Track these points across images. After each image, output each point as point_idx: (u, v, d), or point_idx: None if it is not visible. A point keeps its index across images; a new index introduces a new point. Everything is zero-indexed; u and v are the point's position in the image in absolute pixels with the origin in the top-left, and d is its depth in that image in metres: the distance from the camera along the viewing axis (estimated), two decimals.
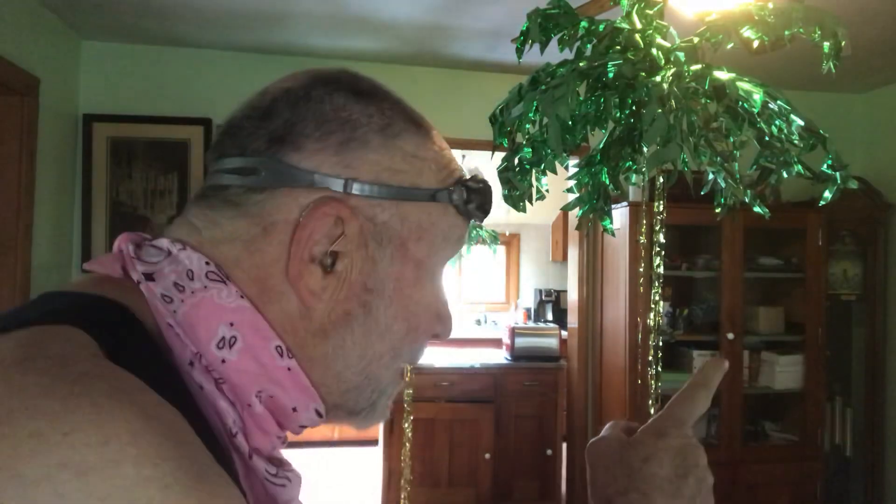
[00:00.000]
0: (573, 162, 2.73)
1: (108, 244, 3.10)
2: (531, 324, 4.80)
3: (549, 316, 6.07)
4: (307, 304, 0.46)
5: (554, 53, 1.73)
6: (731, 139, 1.66)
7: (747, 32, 1.65)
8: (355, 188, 0.46)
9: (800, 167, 1.65)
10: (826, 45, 1.57)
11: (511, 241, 6.61)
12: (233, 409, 0.43)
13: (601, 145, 1.80)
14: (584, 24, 1.71)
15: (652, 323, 1.83)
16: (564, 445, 3.74)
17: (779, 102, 1.59)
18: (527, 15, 1.72)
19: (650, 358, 1.84)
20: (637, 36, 1.70)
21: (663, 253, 1.85)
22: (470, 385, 3.68)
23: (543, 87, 1.62)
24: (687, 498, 0.50)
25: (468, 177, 0.52)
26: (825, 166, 1.64)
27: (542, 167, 1.76)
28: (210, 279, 0.44)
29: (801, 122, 1.60)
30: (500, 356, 3.97)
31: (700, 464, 0.51)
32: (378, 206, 0.47)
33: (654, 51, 1.68)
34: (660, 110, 1.47)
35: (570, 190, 1.91)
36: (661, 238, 1.82)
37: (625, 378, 3.20)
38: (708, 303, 3.45)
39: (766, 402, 3.54)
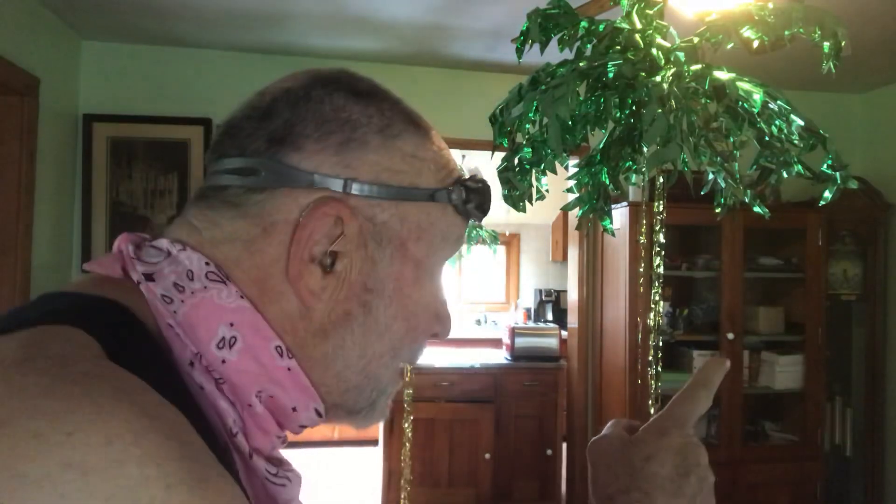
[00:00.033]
0: (573, 162, 2.73)
1: (108, 244, 3.10)
2: (531, 324, 4.80)
3: (549, 316, 6.07)
4: (307, 304, 0.46)
5: (554, 53, 1.73)
6: (731, 139, 1.66)
7: (747, 32, 1.65)
8: (355, 188, 0.46)
9: (800, 167, 1.65)
10: (826, 45, 1.57)
11: (511, 241, 6.61)
12: (233, 409, 0.43)
13: (601, 145, 1.80)
14: (584, 24, 1.71)
15: (652, 323, 1.83)
16: (564, 445, 3.74)
17: (779, 102, 1.59)
18: (527, 15, 1.72)
19: (650, 358, 1.84)
20: (637, 36, 1.70)
21: (663, 253, 1.85)
22: (470, 385, 3.68)
23: (543, 87, 1.62)
24: (688, 497, 0.50)
25: (467, 177, 0.52)
26: (825, 166, 1.64)
27: (542, 167, 1.76)
28: (210, 279, 0.44)
29: (801, 122, 1.60)
30: (500, 356, 3.97)
31: (701, 463, 0.51)
32: (377, 206, 0.47)
33: (654, 51, 1.68)
34: (660, 110, 1.47)
35: (570, 190, 1.91)
36: (661, 238, 1.82)
37: (625, 378, 3.20)
38: (708, 303, 3.45)
39: (766, 402, 3.54)
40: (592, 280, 3.57)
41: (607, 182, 1.79)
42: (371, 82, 0.51)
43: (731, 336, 3.23)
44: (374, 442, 4.68)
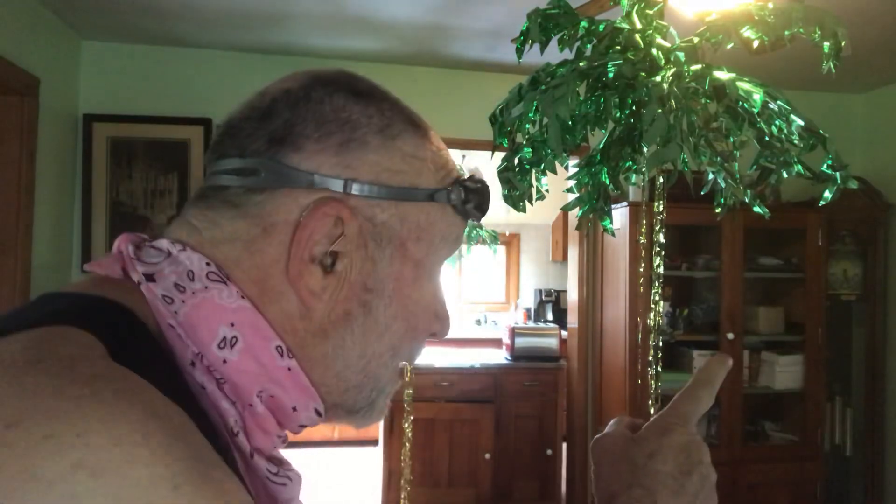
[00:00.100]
0: (573, 162, 2.73)
1: (108, 244, 3.10)
2: (531, 324, 4.80)
3: (549, 316, 6.07)
4: (307, 304, 0.46)
5: (554, 53, 1.73)
6: (731, 139, 1.66)
7: (747, 32, 1.65)
8: (355, 188, 0.46)
9: (800, 167, 1.65)
10: (826, 45, 1.57)
11: (511, 241, 6.61)
12: (234, 408, 0.44)
13: (601, 145, 1.80)
14: (584, 24, 1.71)
15: (652, 323, 1.83)
16: (564, 445, 3.74)
17: (779, 102, 1.59)
18: (527, 15, 1.72)
19: (650, 358, 1.84)
20: (637, 36, 1.70)
21: (663, 253, 1.85)
22: (470, 385, 3.68)
23: (543, 87, 1.62)
24: (690, 494, 0.50)
25: (466, 177, 0.53)
26: (825, 166, 1.64)
27: (542, 167, 1.76)
28: (210, 280, 0.44)
29: (801, 122, 1.60)
30: (500, 356, 3.97)
31: (704, 460, 0.52)
32: (377, 206, 0.47)
33: (654, 51, 1.68)
34: (660, 110, 1.47)
35: (570, 190, 1.91)
36: (661, 238, 1.82)
37: (625, 378, 3.20)
38: (708, 303, 3.45)
39: (766, 402, 3.54)
40: (592, 280, 3.57)
41: (607, 182, 1.79)
42: (370, 83, 0.51)
43: (731, 336, 3.23)
44: (374, 442, 4.68)
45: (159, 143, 3.17)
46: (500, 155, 1.92)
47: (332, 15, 2.83)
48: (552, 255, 6.47)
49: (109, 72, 3.19)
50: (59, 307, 0.40)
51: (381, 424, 3.70)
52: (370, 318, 0.48)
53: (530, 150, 1.77)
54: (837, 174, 1.63)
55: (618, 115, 1.68)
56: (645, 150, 1.65)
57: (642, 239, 2.25)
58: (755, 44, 1.72)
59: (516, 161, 1.79)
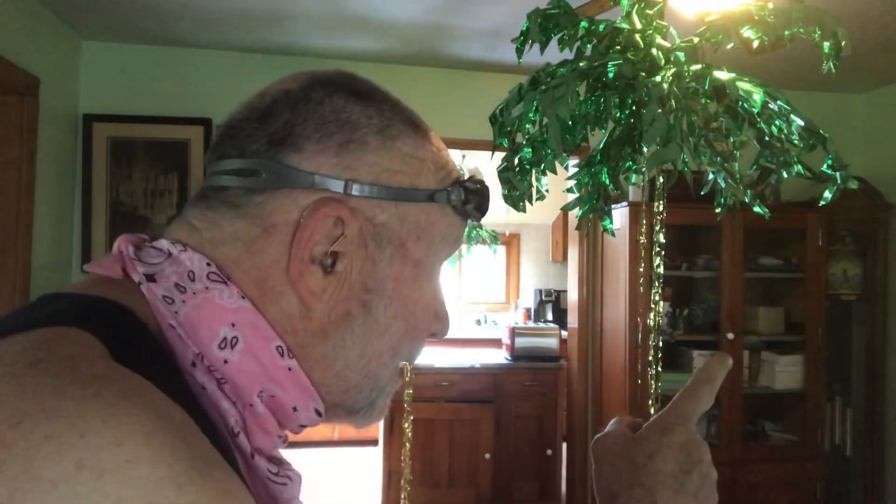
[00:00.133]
0: (573, 162, 2.73)
1: (108, 244, 3.10)
2: (531, 324, 4.80)
3: (549, 316, 6.07)
4: (307, 304, 0.46)
5: (554, 53, 1.73)
6: (731, 139, 1.66)
7: (747, 32, 1.65)
8: (355, 189, 0.46)
9: (800, 167, 1.65)
10: (826, 45, 1.57)
11: (511, 241, 6.61)
12: (235, 409, 0.44)
13: (601, 145, 1.80)
14: (584, 24, 1.71)
15: (652, 323, 1.83)
16: (564, 445, 3.74)
17: (779, 102, 1.59)
18: (527, 15, 1.72)
19: (650, 358, 1.84)
20: (637, 36, 1.70)
21: (663, 253, 1.85)
22: (470, 385, 3.68)
23: (543, 87, 1.62)
24: (691, 493, 0.50)
25: (466, 177, 0.53)
26: (825, 166, 1.64)
27: (542, 167, 1.76)
28: (211, 280, 0.44)
29: (801, 122, 1.60)
30: (500, 356, 3.97)
31: (704, 459, 0.52)
32: (377, 206, 0.47)
33: (654, 51, 1.68)
34: (660, 110, 1.47)
35: (570, 190, 1.91)
36: (661, 238, 1.82)
37: (625, 378, 3.20)
38: (708, 303, 3.45)
39: (766, 402, 3.54)
40: (592, 280, 3.57)
41: (607, 182, 1.79)
42: (370, 83, 0.51)
43: (731, 336, 3.23)
44: (374, 442, 4.68)
45: (159, 144, 3.17)
46: (500, 155, 1.92)
47: (332, 15, 2.83)
48: (552, 255, 6.47)
49: (109, 72, 3.19)
50: (60, 308, 0.40)
51: (381, 424, 3.70)
52: (370, 318, 0.48)
53: (530, 150, 1.77)
54: (837, 174, 1.63)
55: (618, 115, 1.68)
56: (645, 150, 1.65)
57: (642, 239, 2.25)
58: (755, 44, 1.72)
59: (516, 161, 1.79)
